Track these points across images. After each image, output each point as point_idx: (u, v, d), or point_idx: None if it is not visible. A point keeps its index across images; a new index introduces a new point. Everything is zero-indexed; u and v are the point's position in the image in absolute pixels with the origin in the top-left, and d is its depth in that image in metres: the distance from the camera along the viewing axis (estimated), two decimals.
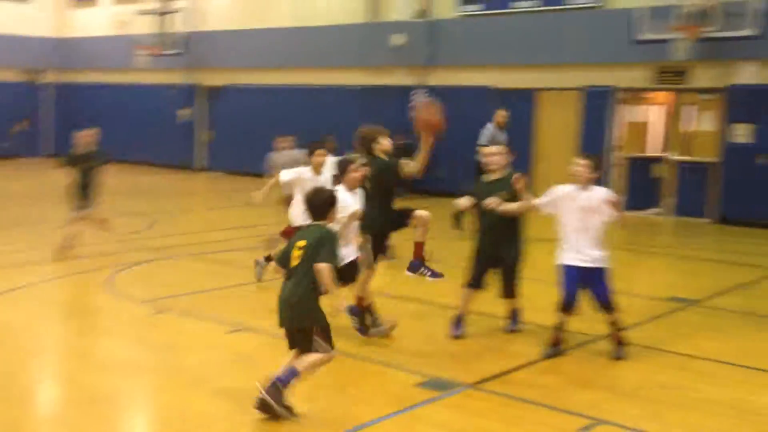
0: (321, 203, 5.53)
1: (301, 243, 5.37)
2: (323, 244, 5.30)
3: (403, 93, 19.22)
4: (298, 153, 11.08)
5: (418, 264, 7.26)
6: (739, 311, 8.61)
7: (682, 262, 11.81)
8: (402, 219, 7.26)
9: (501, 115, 13.25)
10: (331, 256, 5.29)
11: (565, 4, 16.80)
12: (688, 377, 6.48)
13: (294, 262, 5.37)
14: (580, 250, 6.70)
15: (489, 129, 13.28)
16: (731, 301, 9.08)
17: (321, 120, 20.65)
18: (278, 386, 5.30)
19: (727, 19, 14.31)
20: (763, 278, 10.35)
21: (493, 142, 12.06)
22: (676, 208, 15.81)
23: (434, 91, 18.71)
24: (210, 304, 8.50)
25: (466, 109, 18.03)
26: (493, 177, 7.33)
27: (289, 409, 5.36)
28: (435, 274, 7.19)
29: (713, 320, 8.25)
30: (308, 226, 5.59)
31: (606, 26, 16.17)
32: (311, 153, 8.63)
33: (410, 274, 7.28)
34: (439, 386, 6.11)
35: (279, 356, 6.70)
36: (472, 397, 5.97)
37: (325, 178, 8.30)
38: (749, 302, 9.04)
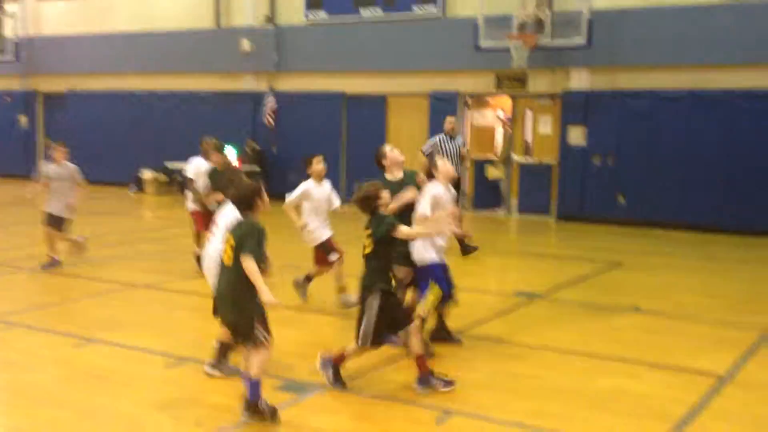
0: (247, 195, 5.61)
1: (231, 240, 5.48)
2: (248, 238, 5.39)
3: (254, 98, 19.11)
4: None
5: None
6: (579, 303, 9.11)
7: (526, 258, 12.38)
8: None
9: (449, 122, 12.97)
10: (255, 249, 5.37)
11: (408, 12, 17.20)
12: (534, 366, 6.81)
13: (227, 260, 5.47)
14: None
15: (436, 138, 12.92)
16: (572, 293, 9.60)
17: (170, 126, 20.20)
18: (253, 404, 5.41)
19: (559, 29, 15.12)
20: (599, 271, 11.00)
21: (439, 150, 12.25)
22: (519, 207, 16.57)
23: (285, 97, 18.75)
24: (54, 318, 8.15)
25: (317, 114, 18.20)
26: (398, 176, 7.50)
27: (273, 409, 5.46)
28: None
29: (556, 312, 8.70)
30: (238, 222, 5.64)
31: (449, 34, 16.70)
32: (309, 164, 8.53)
33: None
34: (296, 389, 6.12)
35: (128, 368, 6.58)
36: (328, 397, 6.01)
37: (327, 187, 8.64)
38: (588, 294, 9.58)
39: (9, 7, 22.19)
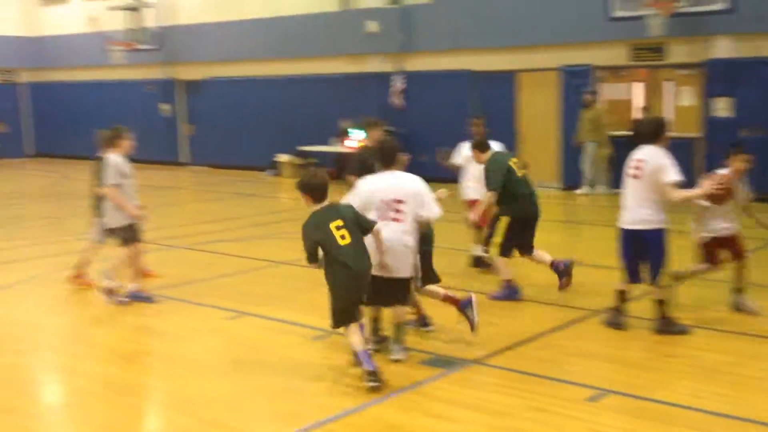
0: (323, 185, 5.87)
1: (339, 222, 5.70)
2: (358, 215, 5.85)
3: (381, 80, 19.21)
4: None
5: None
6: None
7: (671, 236, 11.87)
8: None
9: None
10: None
11: None
12: (690, 346, 6.51)
13: (345, 240, 5.69)
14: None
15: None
16: (725, 272, 9.12)
17: (300, 110, 20.64)
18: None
19: None
20: (752, 249, 10.40)
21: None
22: None
23: (412, 77, 18.75)
24: (207, 293, 8.48)
25: (445, 93, 18.09)
26: None
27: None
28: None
29: (713, 291, 8.28)
30: (330, 205, 5.84)
31: (580, 5, 16.20)
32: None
33: None
34: (443, 363, 6.13)
35: (277, 339, 6.80)
36: (476, 373, 6.00)
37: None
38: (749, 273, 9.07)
39: None
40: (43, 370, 6.49)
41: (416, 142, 18.06)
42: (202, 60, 22.74)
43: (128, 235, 8.01)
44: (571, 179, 16.69)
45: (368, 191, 6.10)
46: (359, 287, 5.79)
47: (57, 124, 26.24)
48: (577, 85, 16.54)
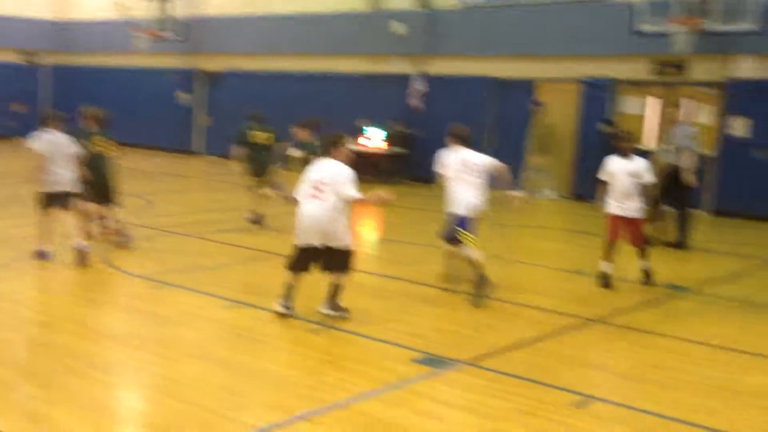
0: None
1: None
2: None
3: (403, 81, 19.24)
4: None
5: None
6: (733, 299, 8.65)
7: (676, 251, 11.83)
8: None
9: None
10: None
11: None
12: (682, 359, 6.52)
13: None
14: None
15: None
16: (725, 289, 9.12)
17: (319, 107, 20.68)
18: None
19: (727, 13, 14.31)
20: (757, 267, 10.40)
21: None
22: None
23: (433, 80, 18.76)
24: (206, 280, 8.53)
25: (465, 98, 18.09)
26: None
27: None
28: None
29: (707, 307, 8.29)
30: None
31: (606, 18, 16.17)
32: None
33: None
34: (435, 363, 6.14)
35: (272, 330, 6.83)
36: (467, 374, 6.00)
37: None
38: (742, 291, 9.08)
39: None
40: (30, 348, 6.49)
41: (433, 145, 18.08)
42: (225, 52, 22.86)
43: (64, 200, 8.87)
44: (581, 189, 16.67)
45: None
46: None
47: (76, 108, 26.45)
48: (597, 97, 16.50)
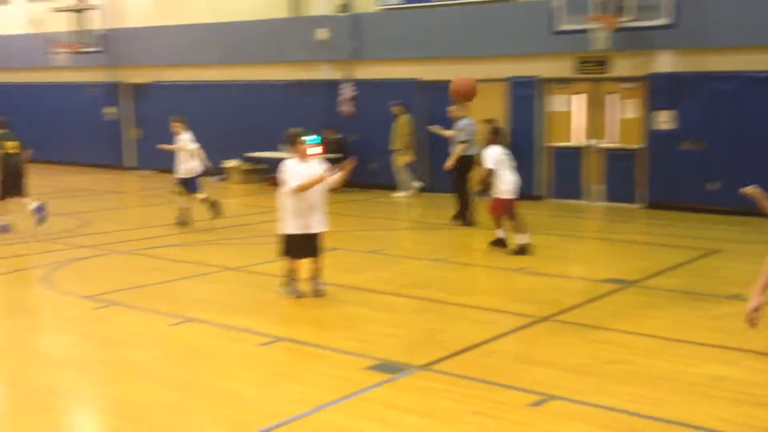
0: None
1: None
2: None
3: (330, 87, 19.22)
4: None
5: None
6: (675, 290, 8.87)
7: (615, 245, 12.14)
8: None
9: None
10: None
11: None
12: (630, 353, 6.66)
13: None
14: None
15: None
16: (666, 281, 9.34)
17: (247, 116, 20.51)
18: None
19: (642, 9, 14.70)
20: (694, 258, 10.70)
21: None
22: (606, 194, 16.21)
23: (361, 85, 18.80)
24: (151, 298, 8.38)
25: (393, 101, 18.16)
26: None
27: None
28: None
29: (650, 299, 8.49)
30: None
31: (526, 17, 16.44)
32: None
33: None
34: (389, 369, 6.15)
35: (223, 345, 6.75)
36: (422, 379, 6.03)
37: None
38: (683, 281, 9.25)
39: (94, 1, 22.77)
40: None
41: (366, 149, 18.12)
42: (148, 64, 22.44)
43: None
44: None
45: None
46: None
47: None
48: (524, 95, 16.79)
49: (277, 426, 5.10)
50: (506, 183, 10.83)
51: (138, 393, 5.71)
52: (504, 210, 10.82)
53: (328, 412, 5.35)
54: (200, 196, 12.95)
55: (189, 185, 12.92)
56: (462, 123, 13.73)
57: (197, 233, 12.48)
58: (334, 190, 8.62)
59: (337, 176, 8.26)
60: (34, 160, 12.92)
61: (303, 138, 8.16)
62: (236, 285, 9.11)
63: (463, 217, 13.28)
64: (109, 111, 23.40)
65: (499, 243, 10.90)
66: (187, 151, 13.08)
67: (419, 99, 18.02)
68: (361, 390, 5.73)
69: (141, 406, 5.46)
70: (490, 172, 10.80)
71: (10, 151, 12.32)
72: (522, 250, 10.61)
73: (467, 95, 12.95)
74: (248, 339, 6.93)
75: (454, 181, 13.59)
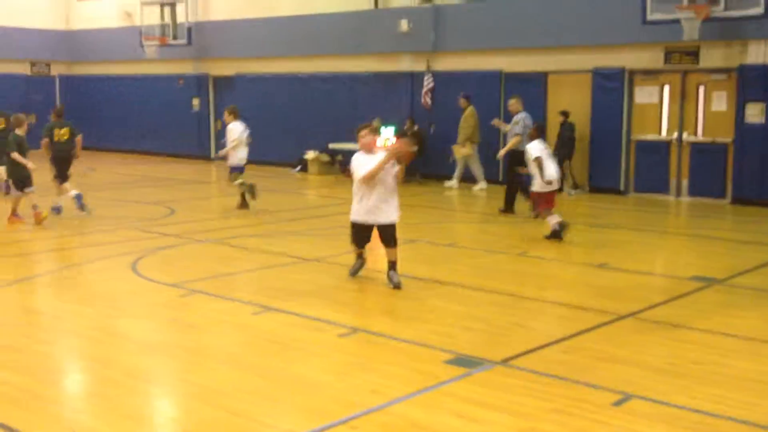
0: None
1: None
2: None
3: (411, 79, 19.21)
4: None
5: None
6: (762, 289, 8.59)
7: (699, 242, 11.79)
8: None
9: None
10: None
11: None
12: (716, 353, 6.47)
13: None
14: None
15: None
16: (753, 279, 9.05)
17: (329, 108, 20.70)
18: None
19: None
20: None
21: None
22: (690, 190, 15.77)
23: (442, 76, 18.73)
24: (234, 287, 8.56)
25: (475, 93, 18.04)
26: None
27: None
28: None
29: (736, 298, 8.24)
30: None
31: (615, 7, 16.09)
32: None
33: None
34: (467, 363, 6.13)
35: (303, 335, 6.84)
36: (501, 374, 5.98)
37: None
38: None
39: None
40: (69, 360, 6.57)
41: (445, 141, 18.06)
42: (233, 56, 22.88)
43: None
44: (598, 181, 16.68)
45: None
46: None
47: (87, 118, 26.55)
48: (609, 88, 16.43)
49: (357, 416, 5.14)
50: (548, 176, 11.13)
51: (220, 379, 5.84)
52: (547, 203, 11.22)
53: (405, 404, 5.36)
54: (238, 181, 13.78)
55: (240, 172, 13.84)
56: (518, 117, 13.95)
57: (276, 224, 12.69)
58: (403, 181, 9.06)
59: (398, 165, 8.40)
60: (121, 150, 13.45)
61: (365, 130, 8.56)
62: (316, 275, 9.21)
63: (510, 209, 13.74)
64: (196, 102, 23.95)
65: (555, 235, 11.08)
66: (240, 141, 13.71)
67: (496, 91, 17.85)
68: (439, 384, 5.72)
69: (222, 392, 5.57)
70: (537, 160, 11.17)
71: (60, 138, 13.19)
72: (556, 234, 11.05)
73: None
74: (328, 329, 7.01)
75: (506, 174, 14.25)
